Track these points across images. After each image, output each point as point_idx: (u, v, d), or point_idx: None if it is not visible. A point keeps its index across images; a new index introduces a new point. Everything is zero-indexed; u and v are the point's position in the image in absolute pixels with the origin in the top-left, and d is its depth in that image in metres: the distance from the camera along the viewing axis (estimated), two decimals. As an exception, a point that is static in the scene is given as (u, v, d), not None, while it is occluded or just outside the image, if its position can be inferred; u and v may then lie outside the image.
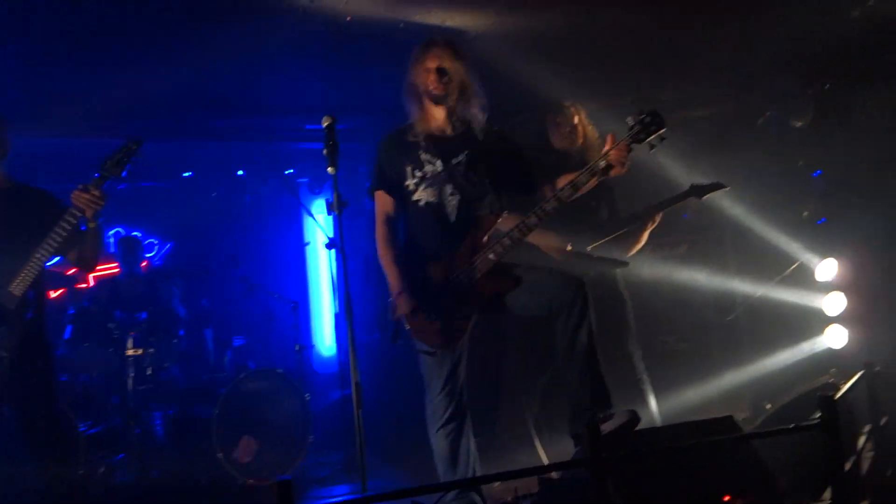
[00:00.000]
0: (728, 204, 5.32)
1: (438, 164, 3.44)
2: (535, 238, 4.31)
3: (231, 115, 6.06)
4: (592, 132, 4.61)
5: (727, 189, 4.44)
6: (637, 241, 4.47)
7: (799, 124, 5.41)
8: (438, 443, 3.48)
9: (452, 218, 3.42)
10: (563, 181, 3.41)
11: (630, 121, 3.32)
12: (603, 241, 4.33)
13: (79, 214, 3.48)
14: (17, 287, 3.45)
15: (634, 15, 4.68)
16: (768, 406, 4.56)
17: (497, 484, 3.67)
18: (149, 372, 5.61)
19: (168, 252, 7.55)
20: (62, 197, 3.79)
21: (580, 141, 4.52)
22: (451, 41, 3.50)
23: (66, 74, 4.92)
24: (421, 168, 3.44)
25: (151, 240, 7.46)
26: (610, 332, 4.36)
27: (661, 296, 5.27)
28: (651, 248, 4.73)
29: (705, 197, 4.41)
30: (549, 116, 4.60)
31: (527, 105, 5.17)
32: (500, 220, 3.47)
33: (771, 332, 5.25)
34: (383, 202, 3.51)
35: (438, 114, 3.49)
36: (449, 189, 3.42)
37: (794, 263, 5.18)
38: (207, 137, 6.34)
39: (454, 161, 3.44)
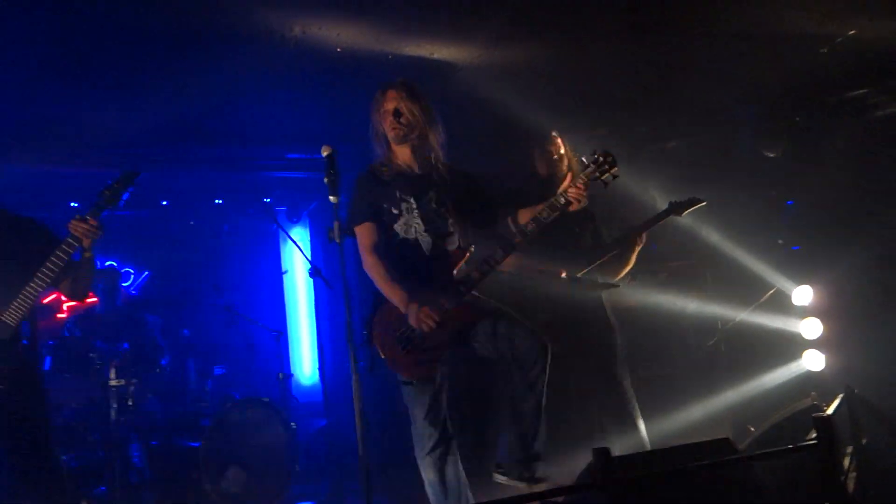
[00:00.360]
0: (706, 231, 5.48)
1: (412, 202, 3.53)
2: (531, 265, 4.41)
3: (213, 144, 6.06)
4: (574, 162, 4.72)
5: (704, 204, 4.56)
6: (626, 263, 4.57)
7: (771, 155, 5.61)
8: (426, 470, 3.52)
9: (427, 253, 3.51)
10: (524, 216, 3.61)
11: (586, 160, 3.53)
12: (594, 265, 4.42)
13: (75, 244, 3.46)
14: (12, 317, 3.41)
15: (614, 48, 4.83)
16: (752, 429, 4.65)
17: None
18: (130, 403, 5.51)
19: (144, 281, 7.47)
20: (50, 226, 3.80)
21: (563, 169, 4.63)
22: (406, 82, 3.59)
23: (51, 103, 4.90)
24: (397, 206, 3.52)
25: (128, 269, 7.37)
26: (600, 358, 4.46)
27: (642, 322, 5.37)
28: (631, 276, 4.83)
29: (685, 213, 4.53)
30: (536, 144, 4.70)
31: (511, 133, 5.29)
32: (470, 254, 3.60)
33: (750, 356, 5.38)
34: (369, 233, 3.53)
35: (404, 153, 3.59)
36: (423, 226, 3.52)
37: (770, 289, 5.34)
38: (188, 166, 6.32)
39: (425, 198, 3.55)
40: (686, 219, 5.18)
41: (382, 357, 3.45)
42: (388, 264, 3.48)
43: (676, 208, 4.53)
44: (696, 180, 5.87)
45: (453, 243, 3.59)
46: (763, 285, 5.39)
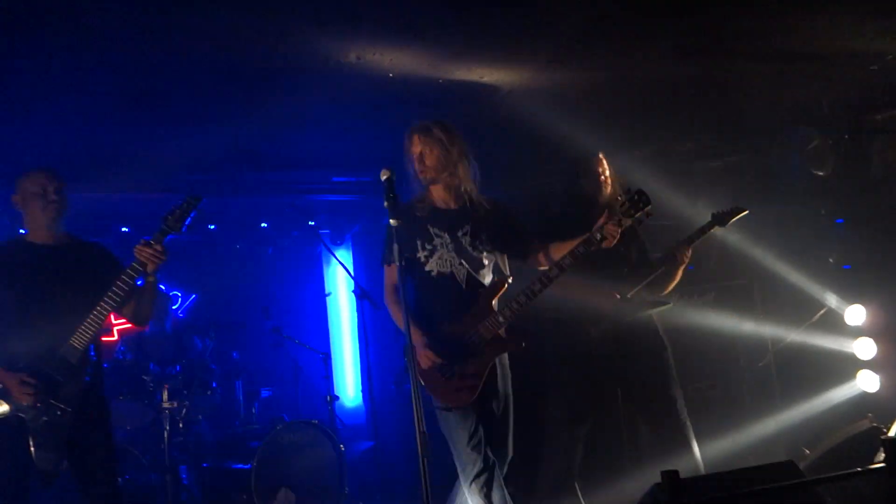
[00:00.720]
0: (754, 251, 5.44)
1: (446, 237, 3.61)
2: (582, 286, 4.41)
3: (261, 168, 6.16)
4: (618, 184, 4.72)
5: (747, 213, 4.52)
6: (672, 278, 4.53)
7: (820, 173, 5.56)
8: (473, 497, 3.53)
9: (463, 286, 3.58)
10: (558, 251, 3.68)
11: (621, 198, 3.65)
12: (642, 286, 4.41)
13: (140, 269, 3.53)
14: (79, 341, 3.49)
15: (662, 69, 4.85)
16: (807, 451, 4.58)
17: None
18: (181, 425, 5.61)
19: (192, 304, 7.57)
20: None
21: (608, 191, 4.63)
22: (428, 125, 3.67)
23: (110, 133, 5.03)
24: (430, 241, 3.60)
25: (175, 292, 7.49)
26: (654, 376, 4.43)
27: (691, 343, 5.33)
28: (679, 296, 4.80)
29: (729, 223, 4.49)
30: (582, 164, 4.69)
31: (557, 154, 5.31)
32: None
33: (803, 377, 5.31)
34: (392, 274, 3.61)
35: (437, 191, 3.69)
36: (458, 260, 3.59)
37: (822, 309, 5.27)
38: (236, 191, 6.43)
39: (460, 233, 3.62)
40: (735, 237, 5.15)
41: (422, 384, 3.47)
42: (424, 297, 3.61)
43: (720, 219, 4.50)
44: (744, 199, 5.83)
45: (489, 275, 3.67)
46: (814, 305, 5.32)
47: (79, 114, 4.71)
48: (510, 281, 3.67)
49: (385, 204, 3.31)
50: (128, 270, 3.53)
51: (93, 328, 3.51)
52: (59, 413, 3.45)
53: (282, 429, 5.31)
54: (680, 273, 4.56)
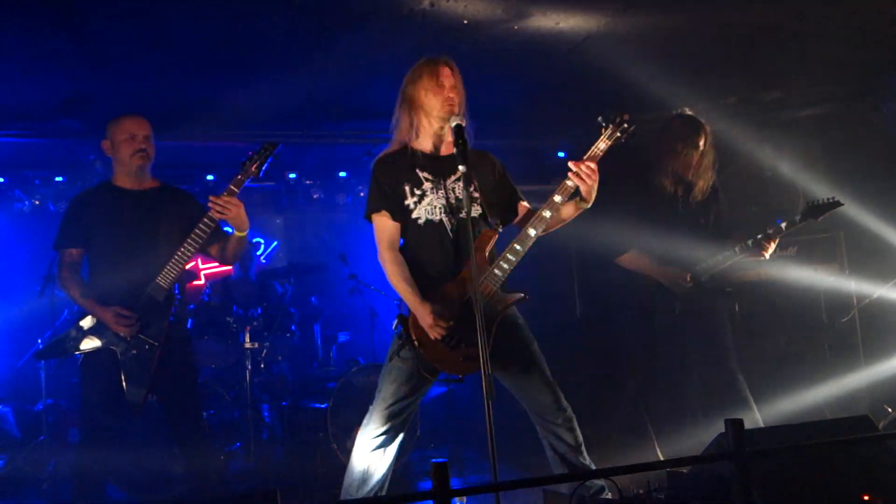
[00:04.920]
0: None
1: (436, 182, 3.38)
2: (655, 271, 4.36)
3: (338, 118, 6.26)
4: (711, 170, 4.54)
5: (843, 206, 4.33)
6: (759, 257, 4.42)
7: (917, 122, 5.28)
8: (360, 448, 3.42)
9: (452, 236, 3.35)
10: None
11: (601, 119, 3.31)
12: (717, 269, 4.34)
13: (216, 219, 3.67)
14: (165, 280, 3.68)
15: (746, 13, 4.66)
16: (890, 409, 4.45)
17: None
18: (262, 365, 5.86)
19: (274, 251, 7.82)
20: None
21: (706, 164, 4.48)
22: (450, 58, 3.46)
23: (196, 84, 5.21)
24: (419, 186, 3.37)
25: (258, 239, 7.74)
26: (707, 331, 4.39)
27: (772, 297, 5.22)
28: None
29: (821, 218, 4.30)
30: (679, 135, 4.45)
31: (635, 104, 5.19)
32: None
33: (888, 334, 5.13)
34: (384, 223, 3.40)
35: (433, 132, 3.42)
36: (447, 207, 3.37)
37: (912, 265, 5.06)
38: (315, 141, 6.56)
39: (451, 179, 3.39)
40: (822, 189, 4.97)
41: (426, 358, 3.24)
42: (412, 248, 3.37)
43: (814, 212, 4.29)
44: (831, 150, 5.61)
45: (482, 224, 3.42)
46: (904, 260, 5.11)
47: (165, 64, 4.89)
48: (501, 230, 3.44)
49: (454, 151, 3.26)
50: (205, 219, 3.68)
51: (177, 268, 3.69)
52: (147, 347, 3.66)
53: (357, 371, 5.48)
54: (767, 255, 4.39)
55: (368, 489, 3.37)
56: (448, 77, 3.38)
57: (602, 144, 3.24)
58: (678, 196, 4.47)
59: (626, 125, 3.23)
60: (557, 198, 3.26)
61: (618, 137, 3.25)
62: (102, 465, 3.70)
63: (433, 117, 3.39)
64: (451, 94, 3.34)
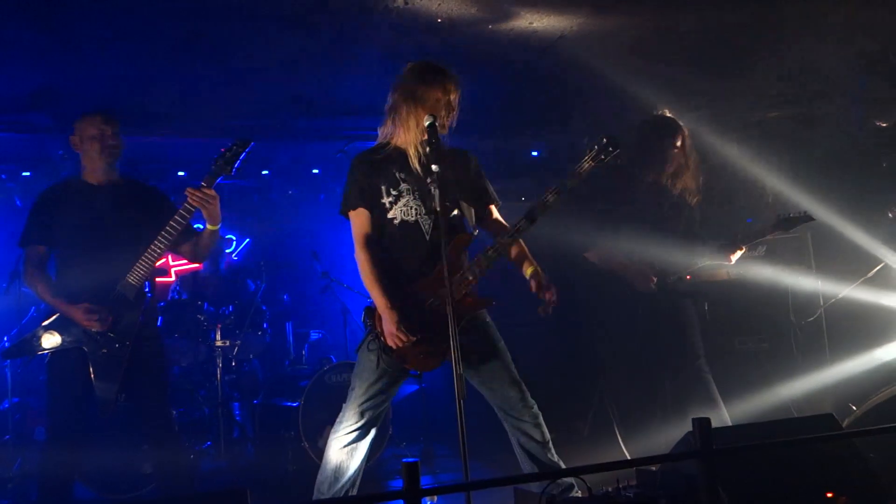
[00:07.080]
0: (809, 205, 5.31)
1: (412, 183, 3.38)
2: (620, 267, 4.42)
3: (312, 115, 6.22)
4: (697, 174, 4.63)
5: (814, 221, 4.41)
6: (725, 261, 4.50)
7: (883, 125, 5.38)
8: (332, 447, 3.44)
9: (427, 237, 3.35)
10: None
11: (588, 142, 3.45)
12: (685, 273, 4.41)
13: (192, 210, 3.63)
14: (135, 277, 3.63)
15: (719, 16, 4.72)
16: (854, 408, 4.52)
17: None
18: (233, 363, 5.82)
19: (246, 248, 7.77)
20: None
21: (686, 163, 4.56)
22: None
23: (165, 80, 5.14)
24: (396, 186, 3.38)
25: (230, 236, 7.68)
26: (677, 332, 4.45)
27: (740, 297, 5.27)
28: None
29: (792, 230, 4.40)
30: (665, 139, 4.56)
31: (608, 105, 5.25)
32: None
33: (854, 333, 5.22)
34: (362, 221, 3.40)
35: (414, 134, 3.39)
36: (423, 208, 3.37)
37: (878, 265, 5.14)
38: (289, 138, 6.52)
39: (428, 180, 3.28)
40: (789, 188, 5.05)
41: (390, 351, 3.27)
42: (386, 247, 3.37)
43: (785, 224, 4.36)
44: (800, 152, 5.69)
45: (458, 227, 3.40)
46: (870, 260, 5.19)
47: (136, 59, 4.83)
48: (476, 233, 3.45)
49: (426, 149, 3.25)
50: (180, 211, 3.63)
51: (148, 266, 3.64)
52: (117, 346, 3.61)
53: (329, 369, 5.46)
54: (733, 260, 4.48)
55: (340, 486, 3.38)
56: (453, 93, 3.40)
57: (586, 164, 3.30)
58: (652, 196, 4.52)
59: (610, 148, 3.28)
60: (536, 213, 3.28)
61: (601, 159, 3.30)
62: (70, 464, 3.66)
63: (436, 130, 3.33)
64: (446, 112, 3.37)
